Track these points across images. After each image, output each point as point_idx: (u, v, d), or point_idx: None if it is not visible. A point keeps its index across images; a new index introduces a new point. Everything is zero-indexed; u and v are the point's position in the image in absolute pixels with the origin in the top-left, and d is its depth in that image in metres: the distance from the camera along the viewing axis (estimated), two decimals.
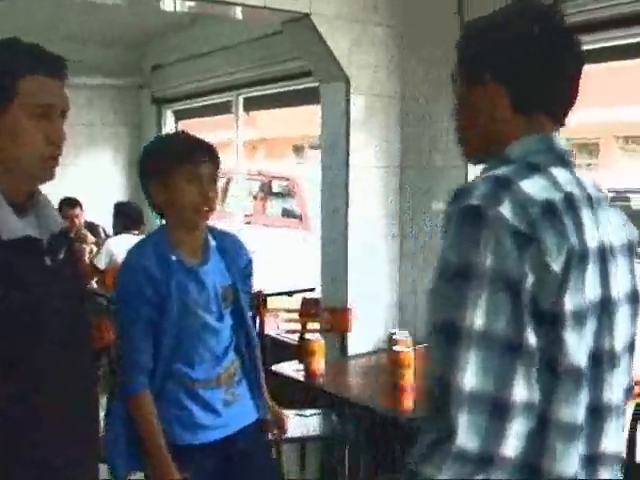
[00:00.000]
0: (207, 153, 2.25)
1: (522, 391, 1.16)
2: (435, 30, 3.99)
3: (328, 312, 4.01)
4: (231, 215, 6.20)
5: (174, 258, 2.18)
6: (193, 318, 2.19)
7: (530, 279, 1.18)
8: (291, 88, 5.31)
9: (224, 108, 6.20)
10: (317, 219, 4.47)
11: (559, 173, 1.30)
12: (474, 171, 3.93)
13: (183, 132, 2.40)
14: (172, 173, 2.18)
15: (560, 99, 1.40)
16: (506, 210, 1.19)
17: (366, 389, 3.06)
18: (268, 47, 5.25)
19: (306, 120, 7.21)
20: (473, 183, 1.25)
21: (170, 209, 2.23)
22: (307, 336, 3.22)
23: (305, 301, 4.40)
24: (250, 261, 2.41)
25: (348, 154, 4.04)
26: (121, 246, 5.43)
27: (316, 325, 4.14)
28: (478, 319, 1.16)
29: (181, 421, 2.20)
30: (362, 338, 4.03)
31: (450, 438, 1.15)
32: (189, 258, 2.23)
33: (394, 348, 3.00)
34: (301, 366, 3.23)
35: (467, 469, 1.16)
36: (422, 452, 1.20)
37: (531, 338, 1.18)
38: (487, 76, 1.37)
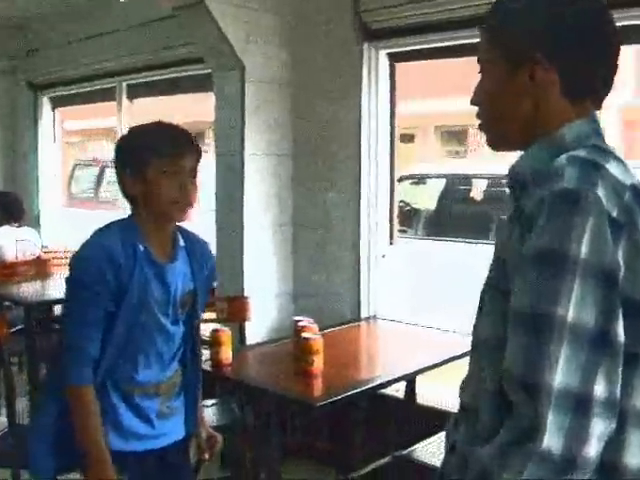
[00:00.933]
0: (187, 144, 2.12)
1: (605, 388, 1.10)
2: (328, 20, 4.03)
3: (225, 301, 3.98)
4: (109, 203, 6.05)
5: (142, 247, 2.05)
6: (149, 315, 2.07)
7: (622, 269, 1.11)
8: (180, 75, 5.21)
9: (106, 95, 6.01)
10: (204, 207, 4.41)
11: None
12: (367, 161, 4.03)
13: (162, 122, 2.20)
14: (149, 165, 2.05)
15: (606, 84, 1.31)
16: (602, 194, 1.11)
17: (275, 377, 3.06)
18: (155, 32, 5.12)
19: (189, 107, 7.12)
20: (556, 165, 1.16)
21: (145, 201, 2.09)
22: (216, 326, 3.18)
23: None
24: (214, 271, 2.33)
25: (243, 142, 4.03)
26: (1, 239, 5.21)
27: (212, 315, 4.10)
28: (571, 312, 1.09)
29: (114, 425, 2.07)
30: (258, 327, 4.04)
31: (533, 438, 1.08)
32: (156, 253, 2.10)
33: (303, 335, 3.02)
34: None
35: (550, 472, 1.09)
36: (492, 454, 1.13)
37: (621, 333, 1.11)
38: (537, 57, 1.24)
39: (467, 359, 1.39)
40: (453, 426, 1.42)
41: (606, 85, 1.30)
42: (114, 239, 2.03)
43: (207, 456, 2.40)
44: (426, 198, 8.50)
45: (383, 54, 3.98)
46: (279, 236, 4.23)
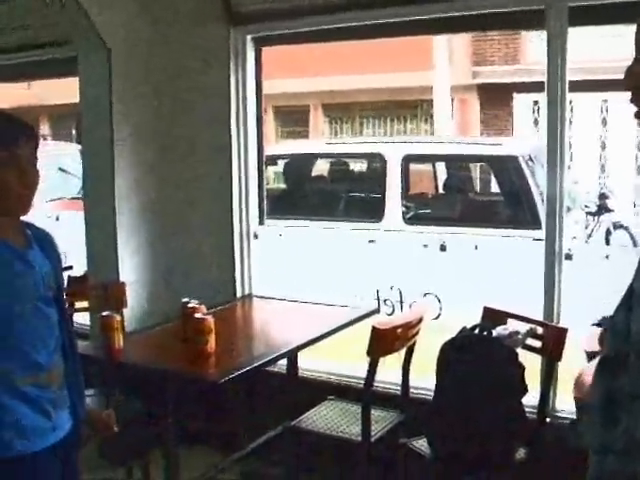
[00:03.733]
0: (22, 130, 1.95)
1: None
2: (196, 3, 4.06)
3: (100, 288, 3.94)
4: None
5: None
6: (24, 303, 1.95)
7: None
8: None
9: None
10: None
11: None
12: (237, 142, 4.11)
13: None
14: None
15: None
16: None
17: (171, 359, 3.10)
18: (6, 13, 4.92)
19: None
20: None
21: None
22: (105, 313, 3.16)
23: (71, 279, 4.28)
24: (60, 258, 2.21)
25: (112, 126, 3.99)
26: None
27: (84, 303, 4.04)
28: None
29: (14, 427, 1.90)
30: (136, 313, 4.04)
31: None
32: (14, 242, 2.00)
33: (196, 316, 3.08)
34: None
35: None
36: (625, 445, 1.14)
37: None
38: None
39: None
40: (601, 425, 1.35)
41: None
42: None
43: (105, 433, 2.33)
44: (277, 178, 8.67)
45: (249, 38, 4.06)
46: (151, 219, 4.22)
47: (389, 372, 3.62)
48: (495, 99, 12.02)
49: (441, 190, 8.59)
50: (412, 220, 7.26)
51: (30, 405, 1.94)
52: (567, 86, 3.28)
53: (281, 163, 8.75)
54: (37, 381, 1.96)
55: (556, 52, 3.26)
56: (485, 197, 8.78)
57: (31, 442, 1.93)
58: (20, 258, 1.98)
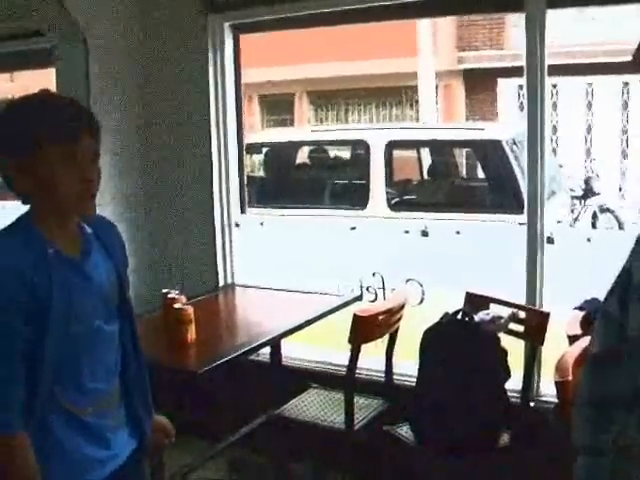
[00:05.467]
0: (87, 123, 1.73)
1: None
2: None
3: None
4: None
5: (51, 251, 1.69)
6: (81, 324, 1.71)
7: None
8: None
9: None
10: None
11: None
12: (216, 131, 4.08)
13: (47, 93, 1.81)
14: (41, 153, 1.66)
15: None
16: None
17: (152, 350, 3.07)
18: None
19: None
20: None
21: (40, 196, 1.71)
22: None
23: None
24: (125, 253, 1.98)
25: None
26: None
27: None
28: None
29: (67, 459, 1.73)
30: None
31: None
32: (67, 251, 1.74)
33: (175, 306, 3.06)
34: None
35: None
36: None
37: None
38: None
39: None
40: (593, 426, 1.32)
41: None
42: (18, 253, 1.65)
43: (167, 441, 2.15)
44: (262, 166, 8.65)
45: (227, 26, 4.02)
46: (132, 210, 4.19)
47: (373, 359, 3.62)
48: (480, 84, 12.01)
49: (426, 176, 8.58)
50: (397, 206, 7.25)
51: (89, 436, 1.76)
52: (546, 69, 3.25)
53: (269, 151, 8.71)
54: (98, 409, 1.78)
55: (535, 35, 3.24)
56: (470, 182, 8.78)
57: (89, 475, 1.77)
58: (79, 272, 1.75)
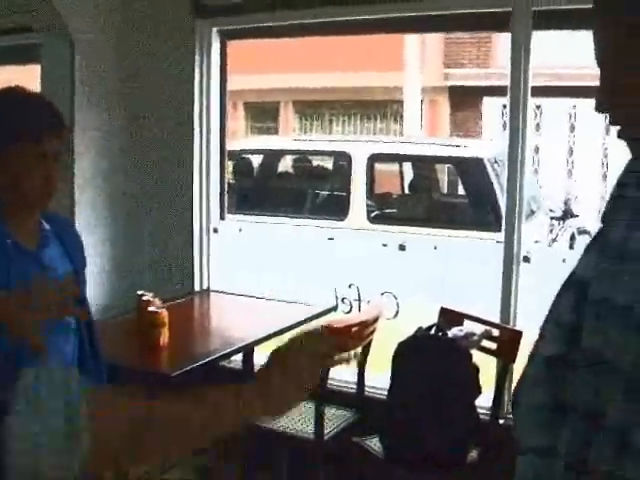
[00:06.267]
0: (54, 123, 1.81)
1: None
2: None
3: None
4: None
5: (9, 242, 1.76)
6: None
7: None
8: None
9: None
10: None
11: None
12: (199, 136, 4.07)
13: (14, 90, 1.86)
14: (8, 152, 1.75)
15: None
16: None
17: (125, 352, 3.06)
18: None
19: None
20: None
21: (5, 191, 1.80)
22: None
23: None
24: (84, 252, 2.04)
25: (73, 116, 3.93)
26: None
27: None
28: None
29: None
30: (92, 305, 3.97)
31: None
32: (25, 243, 1.81)
33: (149, 309, 3.04)
34: None
35: None
36: None
37: None
38: None
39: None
40: (547, 428, 1.25)
41: None
42: None
43: None
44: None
45: (215, 31, 4.02)
46: (110, 211, 4.17)
47: (346, 370, 3.62)
48: (465, 101, 12.07)
49: (407, 190, 8.61)
50: (377, 219, 7.26)
51: None
52: (530, 90, 3.28)
53: (252, 158, 8.70)
54: None
55: (519, 55, 3.27)
56: (450, 198, 8.81)
57: None
58: (32, 261, 1.79)
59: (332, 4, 3.67)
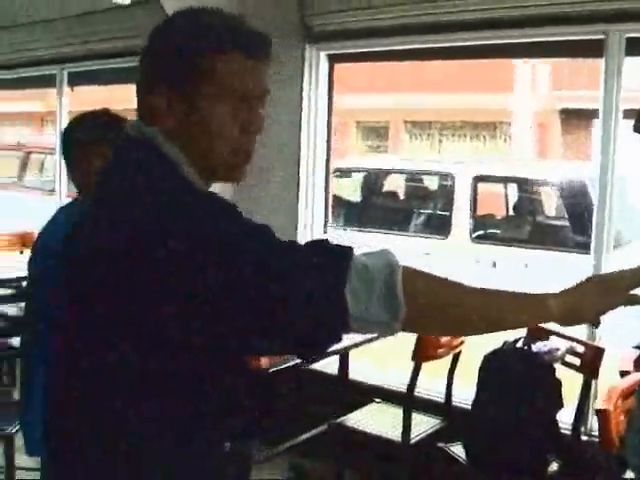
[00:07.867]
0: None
1: None
2: (272, 18, 4.28)
3: None
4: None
5: None
6: None
7: None
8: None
9: (44, 82, 6.12)
10: None
11: None
12: (306, 156, 4.32)
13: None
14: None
15: None
16: None
17: None
18: (94, 23, 5.29)
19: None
20: None
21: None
22: None
23: None
24: None
25: None
26: None
27: None
28: None
29: None
30: None
31: None
32: None
33: None
34: None
35: None
36: None
37: None
38: None
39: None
40: None
41: None
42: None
43: None
44: (351, 191, 8.89)
45: (323, 55, 4.28)
46: None
47: (436, 380, 3.78)
48: (576, 124, 11.96)
49: (511, 212, 8.63)
50: (479, 239, 7.35)
51: None
52: (620, 115, 3.38)
53: (356, 176, 8.94)
54: None
55: (612, 81, 3.38)
56: (555, 221, 8.77)
57: None
58: None
59: (437, 32, 3.85)
